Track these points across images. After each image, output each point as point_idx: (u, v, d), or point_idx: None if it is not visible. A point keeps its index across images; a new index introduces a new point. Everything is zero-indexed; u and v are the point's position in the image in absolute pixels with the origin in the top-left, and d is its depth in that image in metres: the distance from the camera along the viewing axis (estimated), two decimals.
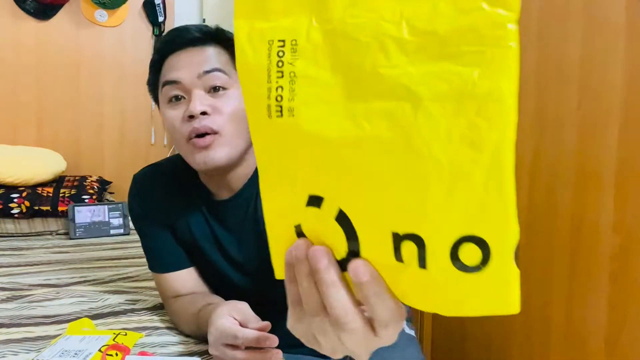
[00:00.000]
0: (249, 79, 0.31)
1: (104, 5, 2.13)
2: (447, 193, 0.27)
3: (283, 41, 0.30)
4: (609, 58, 0.92)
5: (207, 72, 0.81)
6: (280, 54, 0.30)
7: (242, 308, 0.76)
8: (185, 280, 0.94)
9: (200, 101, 0.79)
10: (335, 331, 0.35)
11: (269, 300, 0.75)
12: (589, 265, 0.96)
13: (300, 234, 0.33)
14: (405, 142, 0.28)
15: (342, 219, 0.31)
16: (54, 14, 2.08)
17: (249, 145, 0.86)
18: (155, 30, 2.23)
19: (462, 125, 0.27)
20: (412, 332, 1.09)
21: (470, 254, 0.28)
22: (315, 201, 0.31)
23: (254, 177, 0.89)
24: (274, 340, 0.69)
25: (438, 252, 0.28)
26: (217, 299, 0.88)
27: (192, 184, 0.92)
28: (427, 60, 0.27)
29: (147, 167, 1.01)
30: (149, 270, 0.98)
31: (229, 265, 0.91)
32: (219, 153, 0.81)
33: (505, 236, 0.28)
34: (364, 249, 0.31)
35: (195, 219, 0.92)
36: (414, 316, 1.24)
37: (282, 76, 0.30)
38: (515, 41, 0.26)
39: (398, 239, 0.29)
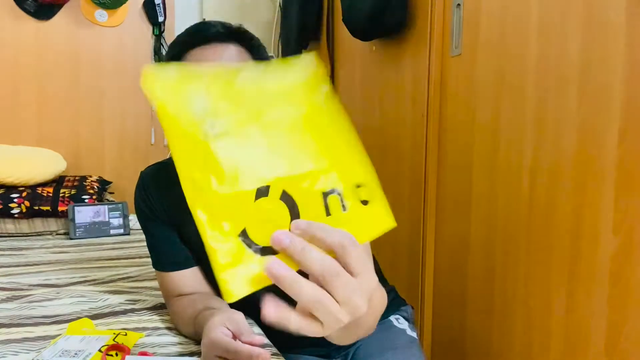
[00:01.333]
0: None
1: (104, 5, 2.13)
2: (347, 158, 0.45)
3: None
4: (609, 58, 0.92)
5: None
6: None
7: (236, 318, 0.75)
8: (188, 280, 0.94)
9: None
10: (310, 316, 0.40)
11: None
12: (589, 265, 0.96)
13: (247, 241, 0.40)
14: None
15: (285, 197, 0.41)
16: (54, 14, 2.08)
17: None
18: (155, 30, 2.23)
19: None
20: (414, 335, 1.09)
21: (363, 192, 0.44)
22: (263, 191, 0.41)
23: None
24: (266, 357, 0.68)
25: (350, 197, 0.43)
26: (217, 302, 0.88)
27: None
28: None
29: (153, 165, 1.01)
30: (149, 270, 0.98)
31: None
32: None
33: (375, 179, 0.45)
34: (302, 216, 0.42)
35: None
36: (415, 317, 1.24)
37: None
38: None
39: (325, 196, 0.42)
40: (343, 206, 0.43)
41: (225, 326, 0.73)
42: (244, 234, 0.40)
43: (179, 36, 0.90)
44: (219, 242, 0.40)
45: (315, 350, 1.04)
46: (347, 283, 0.39)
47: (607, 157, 0.92)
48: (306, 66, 0.45)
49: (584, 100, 0.98)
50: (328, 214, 0.42)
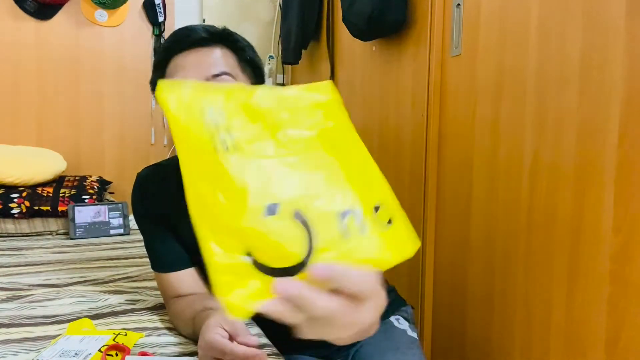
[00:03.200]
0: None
1: (104, 5, 2.13)
2: (362, 179, 0.42)
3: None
4: (609, 58, 0.92)
5: (216, 75, 0.82)
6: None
7: (232, 319, 0.75)
8: (186, 280, 0.94)
9: None
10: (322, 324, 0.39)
11: None
12: (589, 265, 0.96)
13: (252, 260, 0.38)
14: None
15: (299, 217, 0.39)
16: (54, 14, 2.08)
17: None
18: (155, 30, 2.23)
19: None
20: (415, 335, 1.09)
21: (384, 214, 0.42)
22: (272, 209, 0.38)
23: None
24: (263, 357, 0.69)
25: (369, 218, 0.40)
26: (215, 303, 0.87)
27: None
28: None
29: (150, 166, 1.01)
30: (149, 270, 0.98)
31: None
32: None
33: (394, 200, 0.44)
34: (319, 237, 0.38)
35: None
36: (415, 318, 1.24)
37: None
38: None
39: (342, 216, 0.39)
40: (362, 228, 0.40)
41: (222, 327, 0.73)
42: (249, 253, 0.38)
43: (164, 42, 0.89)
44: (222, 259, 0.38)
45: (316, 351, 1.04)
46: (355, 320, 0.40)
47: (607, 157, 0.92)
48: (323, 91, 0.44)
49: (584, 100, 0.98)
50: (347, 235, 0.39)
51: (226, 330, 0.73)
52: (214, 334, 0.72)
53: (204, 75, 0.82)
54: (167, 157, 0.94)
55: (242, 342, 0.71)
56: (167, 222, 0.94)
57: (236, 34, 0.90)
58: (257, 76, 0.91)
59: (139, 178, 1.00)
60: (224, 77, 0.82)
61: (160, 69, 0.87)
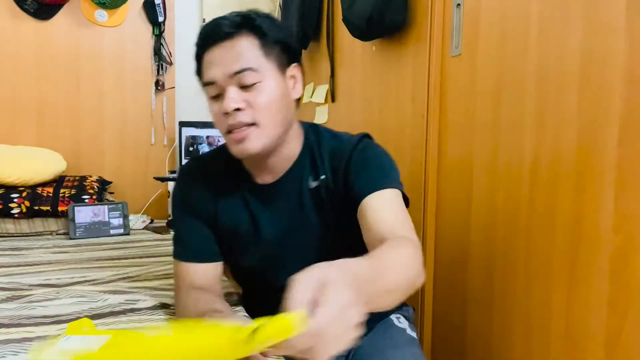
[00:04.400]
0: None
1: (104, 5, 2.13)
2: None
3: None
4: (609, 58, 0.92)
5: (237, 72, 0.86)
6: None
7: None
8: (203, 273, 0.97)
9: (233, 99, 0.86)
10: None
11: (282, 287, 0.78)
12: (589, 265, 0.96)
13: None
14: None
15: None
16: (54, 14, 2.08)
17: (286, 131, 0.93)
18: (155, 30, 2.23)
19: None
20: (414, 335, 1.09)
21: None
22: None
23: (297, 162, 0.97)
24: None
25: None
26: (223, 305, 0.90)
27: (235, 171, 0.99)
28: None
29: (193, 159, 1.10)
30: (149, 270, 0.99)
31: (260, 248, 0.98)
32: (254, 144, 0.88)
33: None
34: None
35: (236, 203, 0.98)
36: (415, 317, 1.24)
37: None
38: None
39: None
40: None
41: None
42: None
43: (197, 37, 0.93)
44: None
45: None
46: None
47: (607, 157, 0.92)
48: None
49: (584, 100, 0.98)
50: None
51: None
52: None
53: (227, 72, 0.86)
54: (208, 151, 1.03)
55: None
56: (203, 213, 0.99)
57: (262, 16, 0.92)
58: (286, 53, 0.93)
59: (180, 170, 1.07)
60: (245, 73, 0.86)
61: (198, 64, 0.93)
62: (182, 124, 2.15)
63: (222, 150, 0.99)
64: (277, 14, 2.43)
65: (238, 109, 0.86)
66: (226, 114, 0.87)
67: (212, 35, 0.89)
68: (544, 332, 1.08)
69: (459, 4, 1.36)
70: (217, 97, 0.89)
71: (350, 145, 0.96)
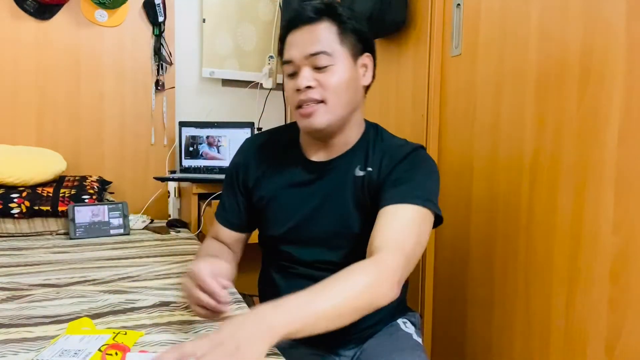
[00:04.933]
0: None
1: (104, 5, 2.13)
2: None
3: None
4: (609, 58, 0.92)
5: (313, 54, 0.96)
6: None
7: (222, 266, 0.90)
8: (227, 235, 1.16)
9: (306, 78, 0.96)
10: None
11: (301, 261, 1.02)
12: (589, 265, 0.96)
13: None
14: None
15: None
16: (54, 14, 2.08)
17: (350, 114, 1.02)
18: (155, 30, 2.23)
19: None
20: (420, 341, 1.10)
21: None
22: None
23: (352, 150, 1.06)
24: (226, 297, 0.82)
25: None
26: (226, 257, 1.07)
27: (291, 147, 1.10)
28: None
29: (259, 133, 1.21)
30: (149, 270, 1.00)
31: (293, 219, 1.05)
32: (320, 119, 0.98)
33: None
34: None
35: (282, 174, 1.08)
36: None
37: None
38: None
39: None
40: None
41: (211, 265, 0.86)
42: None
43: (283, 19, 1.03)
44: None
45: (320, 345, 1.08)
46: None
47: (607, 157, 0.92)
48: None
49: (584, 100, 0.98)
50: None
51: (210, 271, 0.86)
52: (203, 265, 0.85)
53: (304, 53, 0.96)
54: (277, 126, 1.24)
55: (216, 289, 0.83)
56: (246, 186, 1.12)
57: (343, 6, 1.01)
58: (360, 42, 1.02)
59: (245, 142, 1.17)
60: (320, 55, 0.96)
61: (281, 44, 1.03)
62: (182, 124, 2.15)
63: (285, 129, 1.15)
64: (277, 14, 2.43)
65: (309, 87, 0.96)
66: (298, 90, 0.97)
67: (296, 19, 0.98)
68: (544, 332, 1.08)
69: (459, 4, 1.37)
70: (293, 75, 0.99)
71: (404, 151, 1.03)
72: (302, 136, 1.10)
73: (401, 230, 0.89)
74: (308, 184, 1.06)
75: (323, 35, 0.97)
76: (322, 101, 0.97)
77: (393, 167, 1.00)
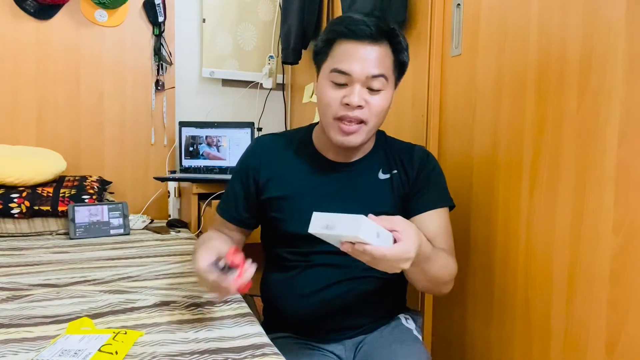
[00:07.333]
0: None
1: (104, 5, 2.13)
2: None
3: None
4: (609, 58, 0.92)
5: (375, 76, 0.98)
6: None
7: (218, 247, 0.97)
8: (230, 231, 1.18)
9: (360, 96, 0.98)
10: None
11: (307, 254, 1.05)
12: (589, 265, 0.96)
13: None
14: None
15: None
16: (54, 14, 2.08)
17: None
18: (155, 30, 2.23)
19: None
20: (420, 337, 1.14)
21: None
22: None
23: (370, 154, 1.12)
24: (228, 280, 0.85)
25: None
26: (225, 245, 1.05)
27: (304, 148, 1.13)
28: None
29: (270, 134, 1.21)
30: (149, 270, 1.01)
31: (304, 216, 1.07)
32: (358, 138, 1.02)
33: None
34: None
35: (295, 173, 1.10)
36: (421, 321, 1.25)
37: None
38: None
39: None
40: None
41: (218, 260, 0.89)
42: None
43: (333, 23, 1.02)
44: None
45: (328, 335, 1.10)
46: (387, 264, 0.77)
47: (607, 157, 0.92)
48: None
49: (584, 100, 0.98)
50: None
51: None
52: (201, 264, 0.89)
53: (366, 72, 0.97)
54: (287, 130, 1.24)
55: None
56: (255, 185, 1.12)
57: (400, 33, 1.02)
58: (401, 73, 1.07)
59: (256, 141, 1.18)
60: (380, 78, 0.98)
61: (325, 46, 1.02)
62: (182, 124, 2.15)
63: (293, 132, 1.18)
64: (277, 14, 2.43)
65: (359, 106, 0.98)
66: (346, 105, 0.98)
67: (359, 30, 0.97)
68: (544, 331, 1.08)
69: (459, 4, 1.37)
70: (341, 85, 0.99)
71: (420, 154, 1.12)
72: (319, 137, 1.12)
73: (447, 232, 1.08)
74: (330, 183, 1.09)
75: (384, 59, 0.99)
76: (363, 121, 0.99)
77: (418, 172, 1.10)
